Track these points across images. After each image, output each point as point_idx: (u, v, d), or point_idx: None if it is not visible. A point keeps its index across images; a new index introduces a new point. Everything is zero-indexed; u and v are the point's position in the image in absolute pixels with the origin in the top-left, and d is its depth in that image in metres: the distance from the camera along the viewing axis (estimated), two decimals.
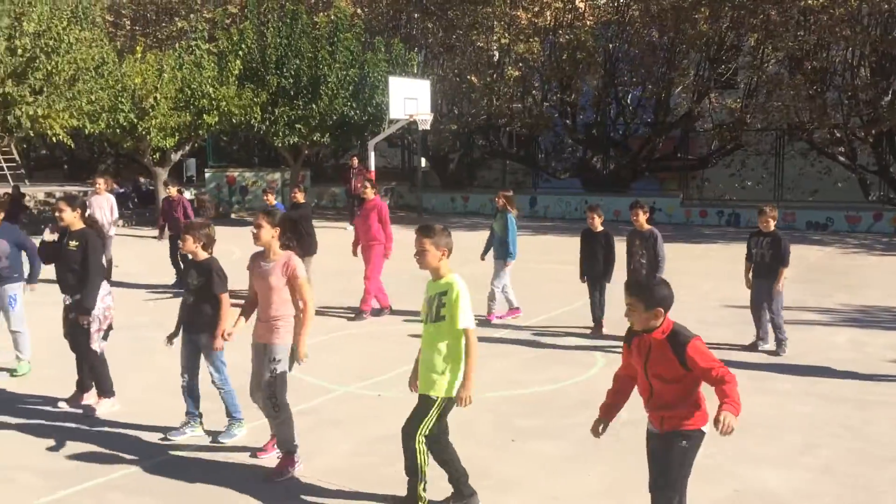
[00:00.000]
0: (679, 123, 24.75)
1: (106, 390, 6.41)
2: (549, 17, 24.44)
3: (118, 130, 18.96)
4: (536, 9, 24.13)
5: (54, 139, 17.67)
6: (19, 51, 15.62)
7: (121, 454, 5.55)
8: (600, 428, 4.02)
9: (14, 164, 29.29)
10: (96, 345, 6.27)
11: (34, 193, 23.82)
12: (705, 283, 12.27)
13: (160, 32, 30.61)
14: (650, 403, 3.79)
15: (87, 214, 6.41)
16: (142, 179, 25.73)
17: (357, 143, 25.92)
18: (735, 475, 5.16)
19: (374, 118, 22.23)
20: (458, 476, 4.57)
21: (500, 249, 9.60)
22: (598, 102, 25.36)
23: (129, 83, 18.66)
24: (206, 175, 26.58)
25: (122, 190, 24.03)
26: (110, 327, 6.44)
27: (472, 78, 24.82)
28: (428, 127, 21.66)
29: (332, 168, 32.17)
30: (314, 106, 21.09)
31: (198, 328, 5.65)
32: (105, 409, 6.38)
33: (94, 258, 6.18)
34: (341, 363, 7.89)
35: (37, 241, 7.04)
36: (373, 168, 21.38)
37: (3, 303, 7.26)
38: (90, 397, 6.51)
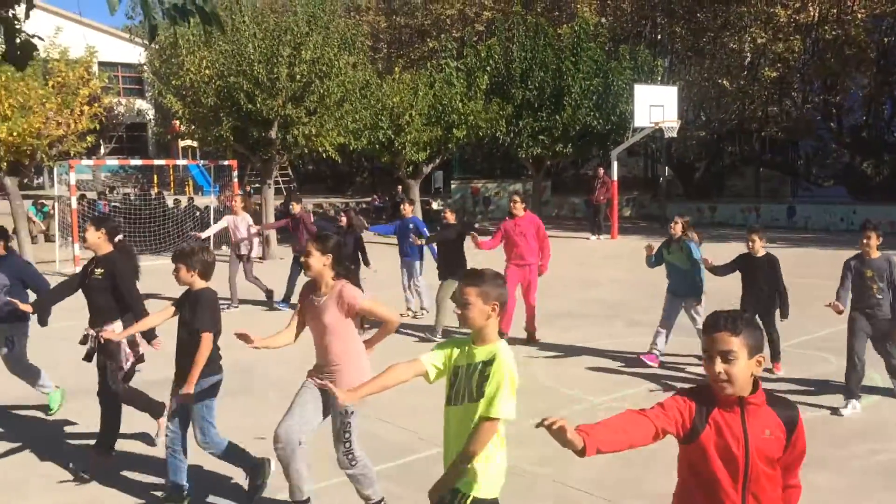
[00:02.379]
0: None
1: (105, 446, 5.51)
2: (812, 13, 22.60)
3: (377, 146, 20.53)
4: (797, 4, 22.42)
5: (324, 155, 19.54)
6: (298, 76, 17.49)
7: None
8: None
9: (288, 178, 32.89)
10: (117, 385, 5.45)
11: (303, 205, 26.49)
12: None
13: (413, 53, 32.65)
14: None
15: (117, 239, 5.66)
16: (399, 190, 27.56)
17: (599, 153, 25.75)
18: None
19: (617, 127, 21.99)
20: None
21: (685, 285, 7.97)
22: (868, 102, 23.00)
23: (388, 102, 20.15)
24: (452, 186, 27.92)
25: (379, 203, 25.90)
26: (139, 360, 5.63)
27: (724, 81, 23.63)
28: (675, 134, 20.98)
29: (571, 178, 32.26)
30: (557, 117, 21.32)
31: (184, 375, 4.71)
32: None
33: (125, 284, 5.43)
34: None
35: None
36: (615, 178, 21.15)
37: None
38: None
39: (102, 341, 5.24)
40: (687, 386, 2.75)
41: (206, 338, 4.66)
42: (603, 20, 26.55)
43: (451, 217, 9.70)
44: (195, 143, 29.19)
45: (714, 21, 24.54)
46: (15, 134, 15.22)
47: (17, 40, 4.17)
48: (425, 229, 10.07)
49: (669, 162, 27.07)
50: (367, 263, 10.17)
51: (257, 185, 23.67)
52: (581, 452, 2.38)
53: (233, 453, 4.91)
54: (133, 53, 31.57)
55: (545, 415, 2.44)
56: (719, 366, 2.46)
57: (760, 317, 7.28)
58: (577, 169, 32.23)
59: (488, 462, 3.22)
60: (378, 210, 25.48)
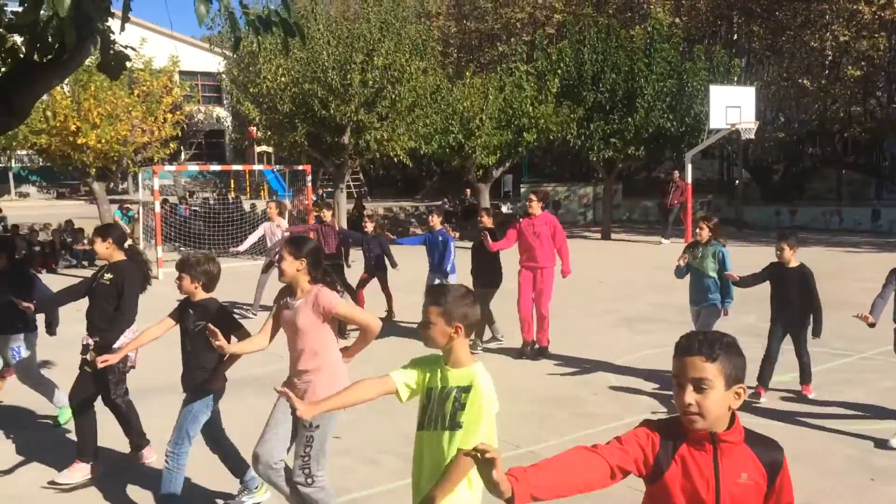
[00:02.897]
0: None
1: (140, 442, 5.59)
2: None
3: (448, 150, 20.65)
4: (882, 1, 21.55)
5: (395, 160, 19.79)
6: (370, 82, 17.78)
7: None
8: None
9: (359, 183, 33.38)
10: (118, 398, 5.43)
11: (375, 209, 26.86)
12: None
13: (483, 57, 32.72)
14: None
15: (126, 245, 5.60)
16: (468, 194, 27.66)
17: (673, 156, 25.27)
18: None
19: (691, 129, 21.54)
20: None
21: (704, 293, 7.24)
22: None
23: (459, 106, 20.25)
24: (522, 190, 27.84)
25: (449, 207, 26.02)
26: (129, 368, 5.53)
27: (804, 81, 22.89)
28: (752, 136, 20.44)
29: (644, 181, 31.75)
30: (630, 119, 21.02)
31: (187, 386, 4.66)
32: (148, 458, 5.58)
33: (129, 293, 5.31)
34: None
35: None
36: (689, 180, 20.72)
37: (5, 355, 6.33)
38: (150, 453, 5.61)
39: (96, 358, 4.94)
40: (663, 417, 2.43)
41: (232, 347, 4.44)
42: (677, 20, 26.06)
43: (487, 221, 9.17)
44: (270, 149, 29.95)
45: (794, 19, 23.80)
46: (103, 141, 15.93)
47: (111, 52, 4.39)
48: (452, 244, 9.43)
49: (746, 164, 26.36)
50: (393, 265, 10.08)
51: (329, 190, 24.11)
52: (509, 502, 2.01)
53: (178, 481, 4.57)
54: (212, 63, 32.61)
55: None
56: (690, 395, 2.10)
57: (791, 335, 6.80)
58: (649, 172, 31.70)
59: (469, 486, 3.01)
60: (448, 214, 25.59)
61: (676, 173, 20.94)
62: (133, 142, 16.75)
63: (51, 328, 6.43)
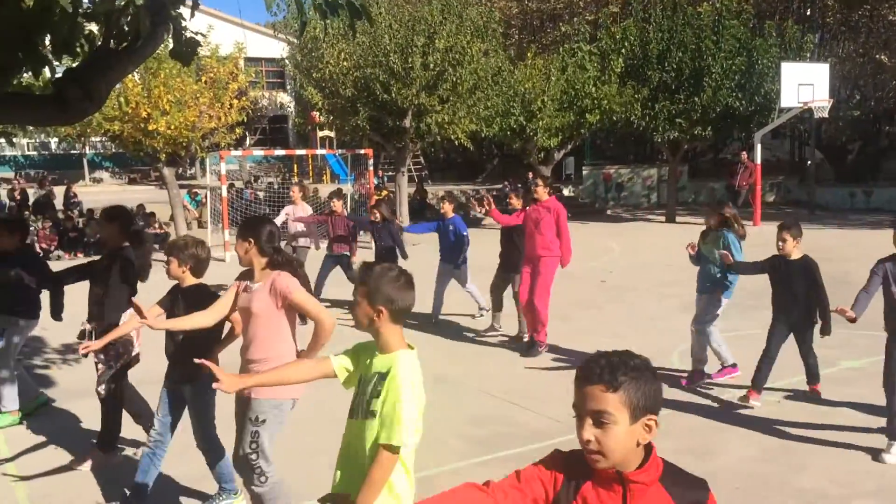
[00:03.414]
0: None
1: (107, 443, 5.33)
2: None
3: (509, 133, 20.51)
4: None
5: (456, 143, 19.76)
6: (431, 65, 17.76)
7: None
8: None
9: (420, 166, 33.46)
10: (101, 387, 5.15)
11: (435, 192, 26.91)
12: None
13: (545, 38, 32.33)
14: None
15: (132, 228, 5.50)
16: (531, 177, 27.44)
17: (741, 136, 24.56)
18: None
19: (761, 108, 20.89)
20: None
21: (707, 280, 6.93)
22: None
23: (520, 88, 20.07)
24: (584, 172, 27.50)
25: (510, 190, 25.88)
26: (133, 361, 5.32)
27: (881, 57, 21.93)
28: (825, 114, 19.71)
29: (710, 162, 30.98)
30: (696, 99, 20.49)
31: (183, 376, 4.42)
32: (90, 465, 5.30)
33: (124, 275, 5.18)
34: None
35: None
36: (758, 161, 20.13)
37: None
38: (91, 463, 5.32)
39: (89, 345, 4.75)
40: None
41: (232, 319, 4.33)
42: None
43: (515, 202, 8.67)
44: (333, 133, 30.27)
45: None
46: (173, 127, 16.33)
47: (182, 38, 4.48)
48: (466, 232, 9.25)
49: (819, 144, 25.45)
50: (404, 256, 9.43)
51: (391, 173, 24.25)
52: None
53: (226, 463, 4.50)
54: (276, 49, 33.04)
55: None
56: (589, 431, 1.79)
57: (794, 334, 6.25)
58: (716, 153, 30.91)
59: (390, 492, 2.80)
60: (503, 197, 25.46)
61: (745, 154, 20.38)
62: (201, 127, 17.12)
63: (56, 309, 6.02)
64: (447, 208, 9.34)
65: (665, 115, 20.88)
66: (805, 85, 18.72)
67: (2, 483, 5.22)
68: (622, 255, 15.32)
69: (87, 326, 5.20)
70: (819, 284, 6.07)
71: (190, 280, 4.54)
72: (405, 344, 2.88)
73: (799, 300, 6.12)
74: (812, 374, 6.43)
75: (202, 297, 4.41)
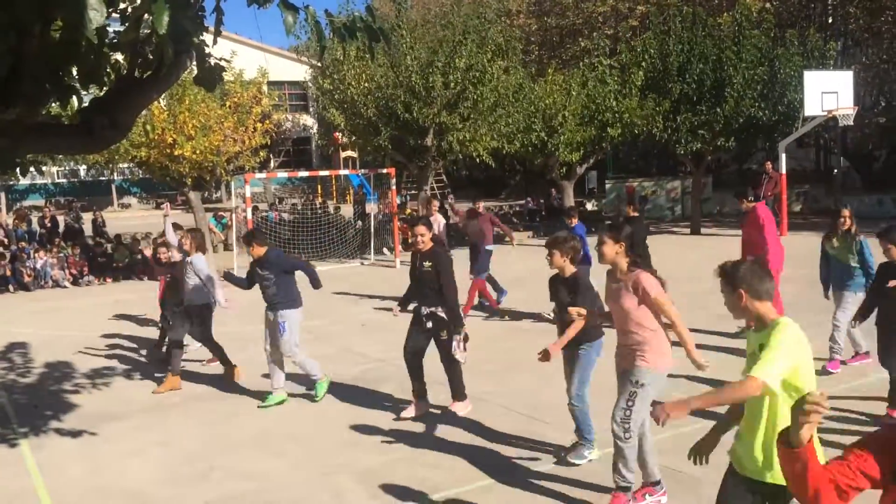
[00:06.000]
0: None
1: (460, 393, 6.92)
2: None
3: (530, 148, 20.52)
4: None
5: (478, 160, 19.81)
6: (452, 84, 17.86)
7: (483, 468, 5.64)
8: None
9: (442, 184, 33.55)
10: (459, 355, 6.64)
11: (458, 210, 26.92)
12: None
13: (565, 53, 32.40)
14: None
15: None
16: (554, 193, 27.41)
17: (765, 146, 24.36)
18: None
19: (785, 117, 20.72)
20: None
21: (841, 280, 7.45)
22: None
23: (541, 104, 20.09)
24: (607, 186, 27.39)
25: (533, 206, 25.85)
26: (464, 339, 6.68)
27: None
28: (850, 122, 19.49)
29: (734, 173, 30.71)
30: (718, 110, 20.38)
31: (579, 340, 5.40)
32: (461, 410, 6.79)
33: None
34: None
35: None
36: (783, 170, 19.93)
37: (273, 329, 7.33)
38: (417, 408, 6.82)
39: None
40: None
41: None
42: (767, 5, 25.10)
43: (632, 211, 9.60)
44: (355, 154, 30.51)
45: None
46: (198, 152, 16.56)
47: (206, 65, 4.56)
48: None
49: (844, 152, 25.16)
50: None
51: (413, 192, 24.34)
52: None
53: (588, 418, 5.48)
54: (298, 72, 33.46)
55: None
56: None
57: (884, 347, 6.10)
58: (740, 164, 30.65)
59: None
60: (531, 213, 25.44)
61: (769, 164, 20.19)
62: (225, 151, 17.35)
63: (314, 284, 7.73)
64: (574, 221, 9.90)
65: (687, 127, 20.78)
66: (829, 93, 18.54)
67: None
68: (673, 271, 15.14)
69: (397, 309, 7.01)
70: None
71: (569, 270, 5.42)
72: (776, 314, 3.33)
73: None
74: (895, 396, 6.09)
75: (578, 285, 5.36)
